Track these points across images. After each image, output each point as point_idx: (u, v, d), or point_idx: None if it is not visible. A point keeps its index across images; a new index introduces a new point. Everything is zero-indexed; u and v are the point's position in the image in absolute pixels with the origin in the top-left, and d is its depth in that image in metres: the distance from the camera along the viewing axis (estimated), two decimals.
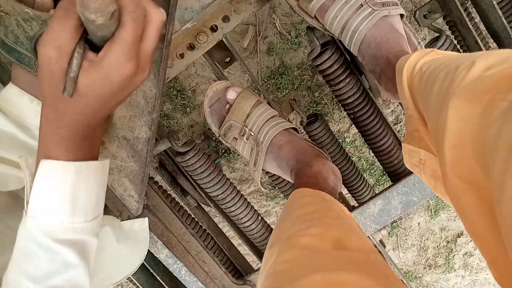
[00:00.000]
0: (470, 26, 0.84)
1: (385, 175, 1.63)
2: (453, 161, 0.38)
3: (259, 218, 0.94)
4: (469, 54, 0.47)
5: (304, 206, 0.60)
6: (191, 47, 0.80)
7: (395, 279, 0.44)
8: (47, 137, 0.45)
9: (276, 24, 1.49)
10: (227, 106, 0.86)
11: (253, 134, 0.82)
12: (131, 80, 0.41)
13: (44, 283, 0.45)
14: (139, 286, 1.07)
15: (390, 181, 0.96)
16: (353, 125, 1.57)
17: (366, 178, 1.58)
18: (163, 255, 0.81)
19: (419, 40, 0.75)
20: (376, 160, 1.73)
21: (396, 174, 0.90)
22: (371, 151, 1.47)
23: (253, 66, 1.54)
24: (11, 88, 0.56)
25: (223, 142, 0.87)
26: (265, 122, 0.81)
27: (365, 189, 1.00)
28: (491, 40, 0.88)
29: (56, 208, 0.45)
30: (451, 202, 0.43)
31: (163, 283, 1.05)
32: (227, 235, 1.06)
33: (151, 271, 1.04)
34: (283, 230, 0.55)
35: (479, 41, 0.85)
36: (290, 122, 0.86)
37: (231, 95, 0.84)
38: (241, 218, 0.91)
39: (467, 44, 0.87)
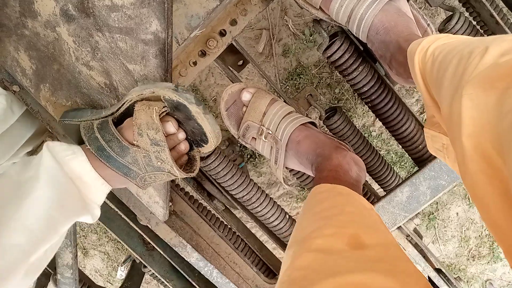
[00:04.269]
0: (484, 0, 0.81)
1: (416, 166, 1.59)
2: (471, 149, 0.38)
3: (287, 216, 0.94)
4: (482, 38, 0.46)
5: (320, 202, 0.59)
6: (203, 53, 0.82)
7: (414, 273, 0.42)
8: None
9: (289, 26, 1.50)
10: (244, 108, 0.87)
11: (271, 133, 0.82)
12: None
13: None
14: None
15: None
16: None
17: (397, 171, 1.54)
18: (194, 258, 0.83)
19: (428, 22, 0.74)
20: (406, 152, 1.69)
21: (423, 159, 0.87)
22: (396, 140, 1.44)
23: (271, 70, 1.55)
24: (91, 173, 0.63)
25: (243, 143, 0.88)
26: (282, 119, 0.82)
27: (391, 177, 0.98)
28: (509, 12, 0.85)
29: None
30: (468, 191, 0.41)
31: None
32: (257, 235, 1.06)
33: (187, 277, 1.06)
34: (300, 230, 0.54)
35: (495, 14, 0.82)
36: (308, 117, 0.86)
37: (245, 96, 0.85)
38: (269, 218, 0.91)
39: (483, 19, 0.85)
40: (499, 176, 0.35)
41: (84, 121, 0.63)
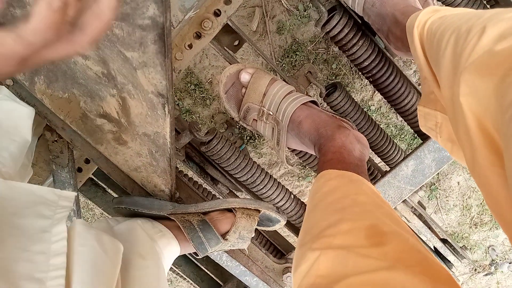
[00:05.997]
0: None
1: (416, 138, 1.58)
2: (478, 136, 0.37)
3: (292, 196, 0.94)
4: (479, 13, 0.45)
5: (331, 192, 0.58)
6: (198, 35, 0.80)
7: (434, 265, 0.43)
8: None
9: (282, 1, 1.46)
10: (243, 89, 0.85)
11: (271, 113, 0.81)
12: None
13: None
14: (186, 277, 1.10)
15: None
16: (377, 92, 1.53)
17: (397, 144, 1.54)
18: None
19: None
20: (405, 124, 1.68)
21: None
22: (398, 115, 1.43)
23: (266, 48, 1.52)
24: (177, 248, 0.76)
25: (244, 125, 0.87)
26: (282, 99, 0.80)
27: (394, 151, 0.98)
28: None
29: None
30: (473, 177, 0.41)
31: (208, 272, 1.07)
32: None
33: (195, 262, 1.06)
34: (313, 224, 0.53)
35: None
36: (308, 95, 0.84)
37: (244, 77, 0.83)
38: (274, 199, 0.91)
39: None
40: (503, 164, 0.35)
41: (180, 214, 0.75)
